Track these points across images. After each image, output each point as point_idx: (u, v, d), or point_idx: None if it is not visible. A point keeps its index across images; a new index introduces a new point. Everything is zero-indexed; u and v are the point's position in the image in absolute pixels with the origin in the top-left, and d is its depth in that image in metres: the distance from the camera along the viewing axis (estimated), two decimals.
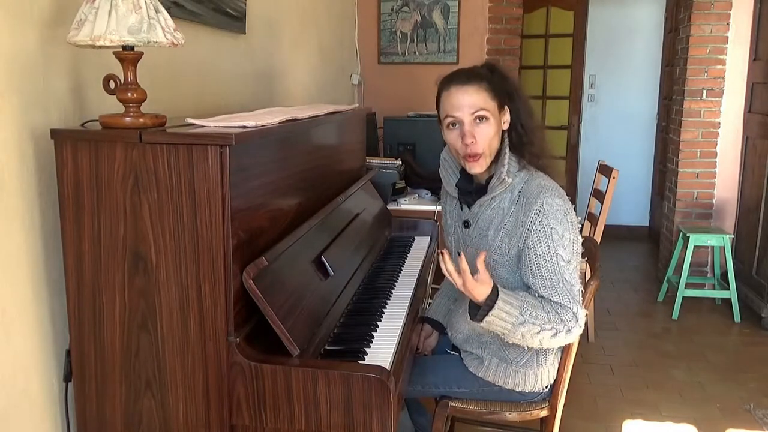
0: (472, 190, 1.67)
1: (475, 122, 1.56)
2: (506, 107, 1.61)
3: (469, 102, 1.55)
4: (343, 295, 1.72)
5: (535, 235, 1.52)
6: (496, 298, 1.47)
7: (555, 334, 1.51)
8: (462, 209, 1.72)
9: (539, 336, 1.50)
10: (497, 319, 1.48)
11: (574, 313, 1.52)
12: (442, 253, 1.49)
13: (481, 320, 1.50)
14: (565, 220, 1.53)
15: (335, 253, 1.74)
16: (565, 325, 1.51)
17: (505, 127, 1.62)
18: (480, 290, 1.47)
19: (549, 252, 1.51)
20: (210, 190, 1.24)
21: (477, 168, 1.59)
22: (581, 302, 1.55)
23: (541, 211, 1.52)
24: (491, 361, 1.69)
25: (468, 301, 1.55)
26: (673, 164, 4.37)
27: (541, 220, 1.52)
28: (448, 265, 1.47)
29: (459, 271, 1.47)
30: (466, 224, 1.69)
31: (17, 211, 1.29)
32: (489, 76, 1.60)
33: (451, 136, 1.60)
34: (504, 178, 1.57)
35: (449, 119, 1.58)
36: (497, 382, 1.70)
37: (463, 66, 1.69)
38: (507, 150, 1.59)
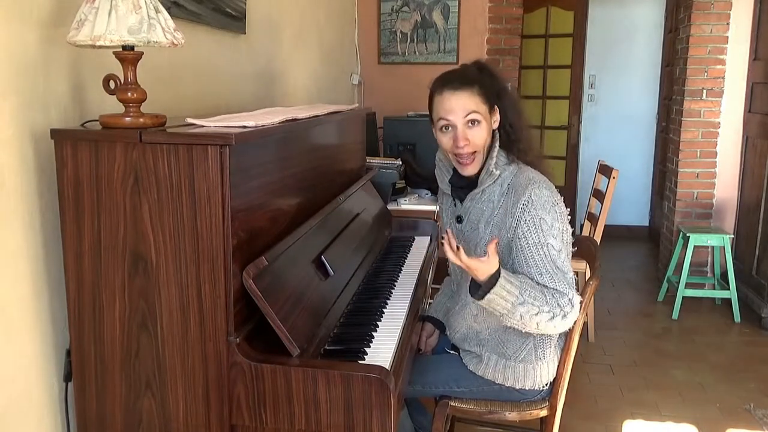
0: (464, 184, 1.70)
1: (468, 126, 1.60)
2: (496, 107, 1.65)
3: (462, 106, 1.59)
4: (343, 295, 1.72)
5: (524, 226, 1.55)
6: (499, 276, 1.50)
7: (552, 318, 1.53)
8: (455, 205, 1.75)
9: (537, 318, 1.52)
10: (498, 297, 1.51)
11: (569, 298, 1.54)
12: (447, 232, 1.54)
13: (482, 298, 1.52)
14: (553, 210, 1.56)
15: (335, 253, 1.74)
16: (562, 309, 1.53)
17: (495, 126, 1.66)
18: (485, 268, 1.50)
19: (540, 241, 1.54)
20: (210, 190, 1.24)
21: (469, 170, 1.64)
22: (575, 288, 1.57)
23: (529, 202, 1.54)
24: (490, 358, 1.70)
25: (469, 281, 1.57)
26: (673, 164, 4.37)
27: (530, 210, 1.54)
28: (453, 242, 1.51)
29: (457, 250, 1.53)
30: (459, 219, 1.72)
31: (17, 211, 1.29)
32: (480, 78, 1.63)
33: (444, 139, 1.64)
34: (492, 170, 1.61)
35: (442, 122, 1.62)
36: (497, 380, 1.70)
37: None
38: (497, 145, 1.64)
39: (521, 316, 1.52)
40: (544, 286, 1.54)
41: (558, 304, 1.53)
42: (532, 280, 1.56)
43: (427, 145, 3.50)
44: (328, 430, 1.30)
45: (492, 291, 1.50)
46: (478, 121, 1.59)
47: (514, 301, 1.51)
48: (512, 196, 1.59)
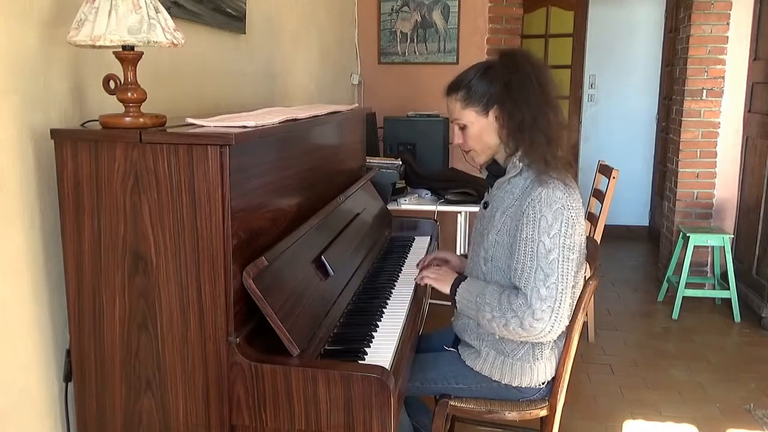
0: (495, 172, 1.76)
1: (459, 128, 1.71)
2: (496, 107, 1.64)
3: (450, 111, 1.73)
4: (343, 295, 1.72)
5: (525, 219, 1.56)
6: (461, 281, 1.69)
7: (506, 324, 1.54)
8: (488, 192, 1.80)
9: (494, 323, 1.58)
10: (464, 300, 1.66)
11: (527, 299, 1.51)
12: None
13: (454, 297, 1.70)
14: (560, 212, 1.54)
15: (335, 253, 1.74)
16: (515, 313, 1.52)
17: (501, 124, 1.64)
18: (441, 279, 1.74)
19: (532, 237, 1.54)
20: (210, 190, 1.24)
21: (473, 162, 1.78)
22: (554, 298, 1.50)
23: (536, 198, 1.55)
24: (488, 354, 1.70)
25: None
26: (673, 164, 4.37)
27: (535, 206, 1.55)
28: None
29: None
30: (485, 205, 1.76)
31: (17, 212, 1.29)
32: (467, 84, 1.66)
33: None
34: (516, 162, 1.65)
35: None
36: (494, 376, 1.71)
37: (464, 66, 1.74)
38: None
39: (485, 320, 1.60)
40: (510, 286, 1.58)
41: (511, 307, 1.52)
42: (508, 280, 1.60)
43: (427, 145, 3.51)
44: (328, 430, 1.30)
45: (457, 293, 1.68)
46: (464, 126, 1.68)
47: (473, 307, 1.61)
48: (529, 192, 1.58)
